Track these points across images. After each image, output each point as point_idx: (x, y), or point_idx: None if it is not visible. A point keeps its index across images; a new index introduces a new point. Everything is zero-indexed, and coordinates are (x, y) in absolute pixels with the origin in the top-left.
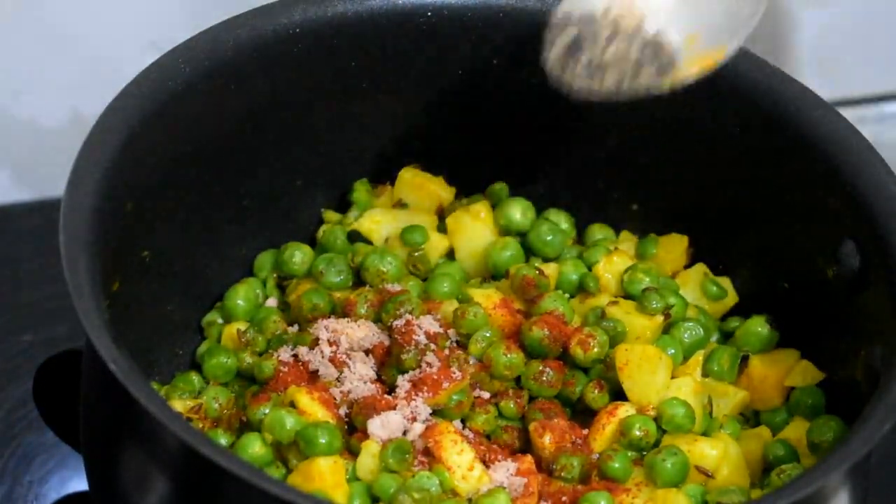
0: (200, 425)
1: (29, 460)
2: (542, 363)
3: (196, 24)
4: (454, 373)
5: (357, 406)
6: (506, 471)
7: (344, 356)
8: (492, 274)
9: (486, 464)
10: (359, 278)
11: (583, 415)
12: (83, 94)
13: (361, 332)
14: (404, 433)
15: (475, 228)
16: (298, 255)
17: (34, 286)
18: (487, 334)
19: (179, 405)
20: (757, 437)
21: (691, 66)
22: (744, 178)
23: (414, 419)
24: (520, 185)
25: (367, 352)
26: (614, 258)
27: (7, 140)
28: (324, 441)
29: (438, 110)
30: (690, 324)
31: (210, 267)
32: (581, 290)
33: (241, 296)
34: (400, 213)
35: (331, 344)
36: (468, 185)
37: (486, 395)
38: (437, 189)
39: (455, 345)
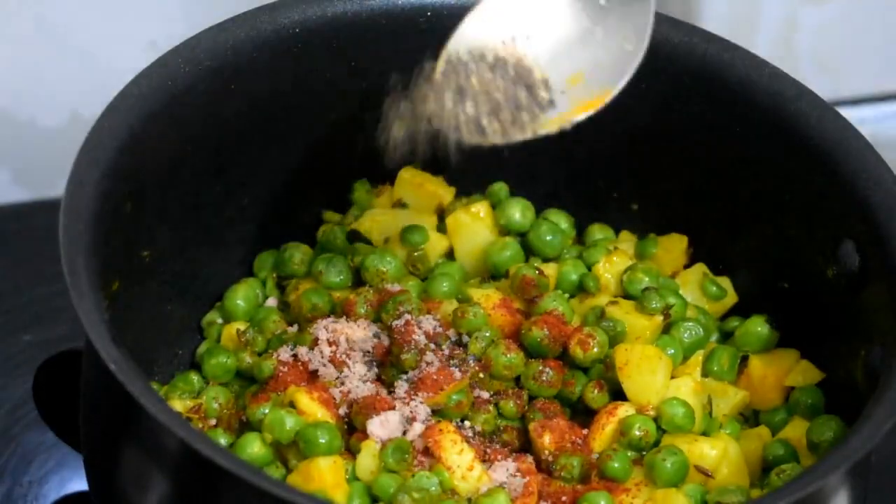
0: (200, 425)
1: (29, 460)
2: (542, 363)
3: (196, 24)
4: (454, 373)
5: (357, 406)
6: (505, 471)
7: (344, 356)
8: (491, 274)
9: (486, 463)
10: (358, 278)
11: (583, 415)
12: (83, 94)
13: (361, 331)
14: (404, 433)
15: (475, 228)
16: (298, 255)
17: (34, 286)
18: (487, 334)
19: (179, 405)
20: (756, 437)
21: (576, 106)
22: (744, 178)
23: (414, 419)
24: (520, 185)
25: (366, 352)
26: (614, 258)
27: (7, 140)
28: (323, 441)
29: None
30: (690, 324)
31: (210, 267)
32: (581, 290)
33: (241, 296)
34: (400, 213)
35: (330, 344)
36: (468, 185)
37: (486, 394)
38: (437, 189)
39: (455, 345)
